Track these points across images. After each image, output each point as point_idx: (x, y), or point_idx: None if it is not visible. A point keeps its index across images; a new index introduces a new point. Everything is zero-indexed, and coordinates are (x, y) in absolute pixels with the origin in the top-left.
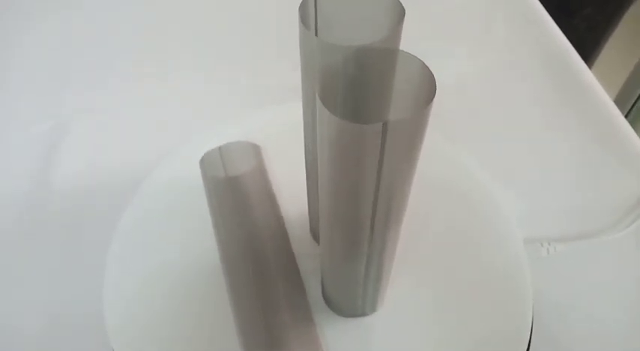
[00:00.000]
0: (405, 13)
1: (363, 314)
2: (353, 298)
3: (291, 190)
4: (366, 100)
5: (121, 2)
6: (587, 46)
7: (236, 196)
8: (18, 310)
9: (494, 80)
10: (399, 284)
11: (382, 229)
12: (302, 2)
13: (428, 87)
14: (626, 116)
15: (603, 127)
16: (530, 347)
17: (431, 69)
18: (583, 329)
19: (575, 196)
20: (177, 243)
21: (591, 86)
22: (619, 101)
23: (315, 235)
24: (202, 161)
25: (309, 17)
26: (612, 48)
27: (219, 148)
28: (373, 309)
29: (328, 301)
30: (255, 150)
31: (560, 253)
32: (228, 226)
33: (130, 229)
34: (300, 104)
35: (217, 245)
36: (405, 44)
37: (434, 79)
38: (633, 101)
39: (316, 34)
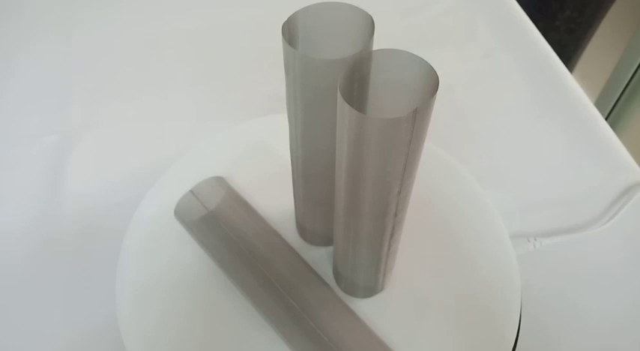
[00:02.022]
0: (374, 29)
1: (376, 293)
2: (371, 279)
3: (265, 202)
4: (373, 96)
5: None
6: (568, 49)
7: (226, 226)
8: (33, 334)
9: (477, 83)
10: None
11: (402, 210)
12: (285, 22)
13: (432, 79)
14: (606, 118)
15: (584, 127)
16: (519, 335)
17: None
18: (570, 320)
19: (559, 193)
20: (178, 285)
21: (572, 88)
22: (600, 103)
23: (302, 232)
24: (178, 208)
25: (291, 35)
26: (593, 50)
27: (191, 191)
28: (383, 288)
29: (342, 284)
30: (220, 182)
31: (546, 247)
32: (229, 253)
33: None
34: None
35: (224, 272)
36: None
37: (435, 72)
38: (613, 103)
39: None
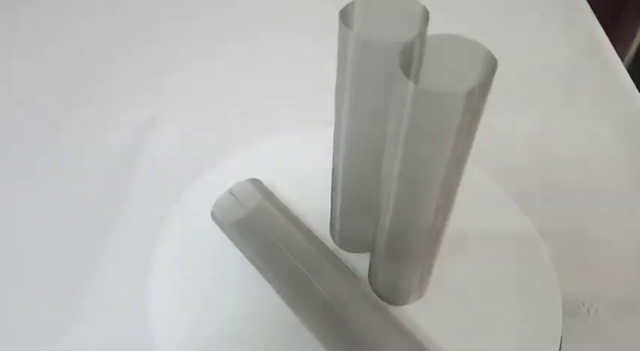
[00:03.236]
0: (429, 17)
1: (414, 300)
2: (412, 284)
3: (300, 207)
4: (427, 80)
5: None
6: None
7: (264, 226)
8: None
9: (571, 143)
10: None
11: (450, 200)
12: (342, 9)
13: (491, 62)
14: None
15: None
16: None
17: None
18: None
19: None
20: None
21: None
22: None
23: (335, 238)
24: (215, 208)
25: (347, 21)
26: None
27: (230, 190)
28: (421, 295)
29: (378, 290)
30: (257, 183)
31: (599, 316)
32: (268, 254)
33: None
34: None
35: (262, 274)
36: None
37: (494, 56)
38: None
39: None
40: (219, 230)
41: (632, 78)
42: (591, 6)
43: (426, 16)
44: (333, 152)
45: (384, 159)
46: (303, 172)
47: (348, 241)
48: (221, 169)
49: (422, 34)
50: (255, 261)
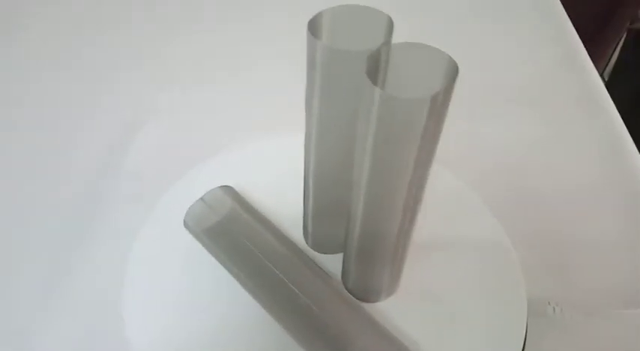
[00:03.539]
0: (393, 27)
1: (385, 297)
2: (383, 282)
3: (273, 211)
4: (392, 86)
5: None
6: None
7: (238, 233)
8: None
9: (545, 149)
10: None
11: (416, 201)
12: (310, 19)
13: (452, 68)
14: None
15: None
16: None
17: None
18: None
19: (609, 275)
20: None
21: None
22: None
23: (308, 239)
24: (188, 216)
25: (316, 31)
26: None
27: (202, 199)
28: (392, 292)
29: (351, 289)
30: (229, 190)
31: (563, 317)
32: (243, 259)
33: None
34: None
35: (240, 281)
36: (481, 109)
37: (455, 62)
38: None
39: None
40: (193, 238)
41: (610, 87)
42: (575, 16)
43: (390, 26)
44: (304, 157)
45: (354, 162)
46: (275, 177)
47: (320, 243)
48: (193, 177)
49: (387, 43)
50: (229, 266)
